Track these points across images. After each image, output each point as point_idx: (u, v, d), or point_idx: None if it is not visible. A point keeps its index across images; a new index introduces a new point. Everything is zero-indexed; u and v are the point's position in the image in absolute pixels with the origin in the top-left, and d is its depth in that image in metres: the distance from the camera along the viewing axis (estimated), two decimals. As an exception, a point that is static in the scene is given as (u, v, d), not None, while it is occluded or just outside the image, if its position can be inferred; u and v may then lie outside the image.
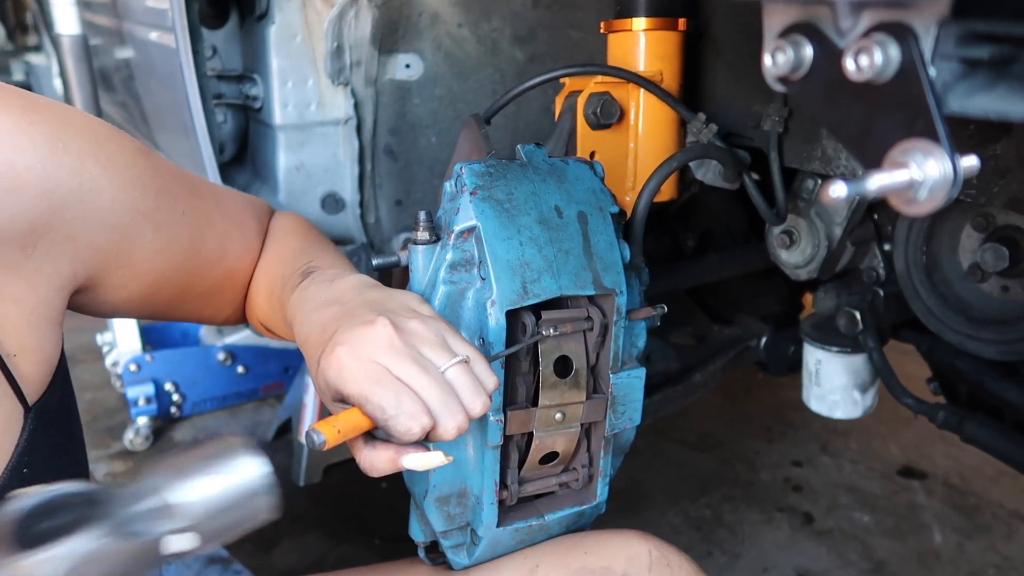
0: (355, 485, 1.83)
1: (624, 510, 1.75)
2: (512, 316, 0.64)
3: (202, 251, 0.74)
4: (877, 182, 0.41)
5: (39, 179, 0.57)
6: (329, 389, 0.58)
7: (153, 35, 1.46)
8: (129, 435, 1.97)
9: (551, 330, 0.66)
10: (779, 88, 0.48)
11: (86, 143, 0.62)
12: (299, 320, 0.66)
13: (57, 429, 0.64)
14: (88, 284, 0.65)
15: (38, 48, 4.44)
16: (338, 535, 1.68)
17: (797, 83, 0.47)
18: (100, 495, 0.45)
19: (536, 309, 0.66)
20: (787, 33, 0.47)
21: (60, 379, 0.65)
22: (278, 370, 2.21)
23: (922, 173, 0.41)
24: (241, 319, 0.86)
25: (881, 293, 1.18)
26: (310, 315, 0.65)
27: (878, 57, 0.42)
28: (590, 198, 0.69)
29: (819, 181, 1.12)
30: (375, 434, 0.57)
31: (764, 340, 1.43)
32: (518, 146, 0.70)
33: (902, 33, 0.41)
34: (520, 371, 0.68)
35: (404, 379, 0.55)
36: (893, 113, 0.43)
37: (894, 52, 0.42)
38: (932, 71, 0.42)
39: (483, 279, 0.64)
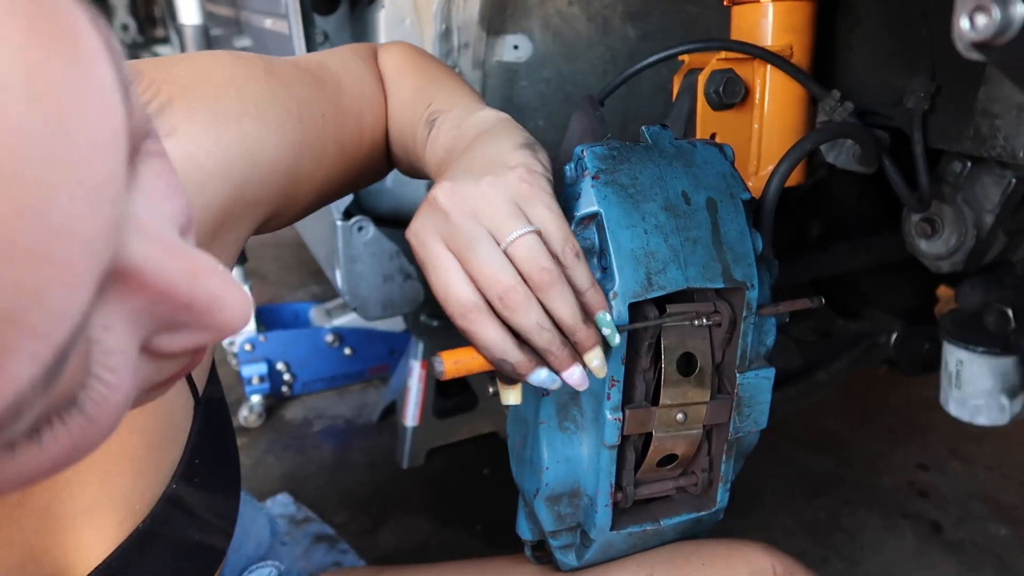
0: (456, 470, 1.83)
1: (731, 510, 1.68)
2: (634, 309, 0.60)
3: (347, 145, 0.69)
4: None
5: (217, 162, 0.55)
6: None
7: (268, 23, 1.49)
8: (244, 412, 2.05)
9: (704, 320, 0.62)
10: (974, 56, 0.40)
11: (235, 101, 0.58)
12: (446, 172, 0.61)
13: (220, 418, 0.63)
14: (257, 230, 0.64)
15: (166, 40, 4.68)
16: (441, 519, 1.69)
17: (1002, 50, 0.38)
18: None
19: (659, 303, 0.62)
20: (988, -13, 0.40)
21: (214, 367, 0.64)
22: (384, 352, 2.24)
23: None
24: (387, 173, 0.82)
25: (1039, 288, 1.07)
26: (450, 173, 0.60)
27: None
28: (720, 183, 0.63)
29: (968, 164, 1.01)
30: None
31: (895, 336, 1.33)
32: (643, 127, 0.65)
33: None
34: (640, 368, 0.64)
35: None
36: None
37: None
38: None
39: (604, 269, 0.60)
